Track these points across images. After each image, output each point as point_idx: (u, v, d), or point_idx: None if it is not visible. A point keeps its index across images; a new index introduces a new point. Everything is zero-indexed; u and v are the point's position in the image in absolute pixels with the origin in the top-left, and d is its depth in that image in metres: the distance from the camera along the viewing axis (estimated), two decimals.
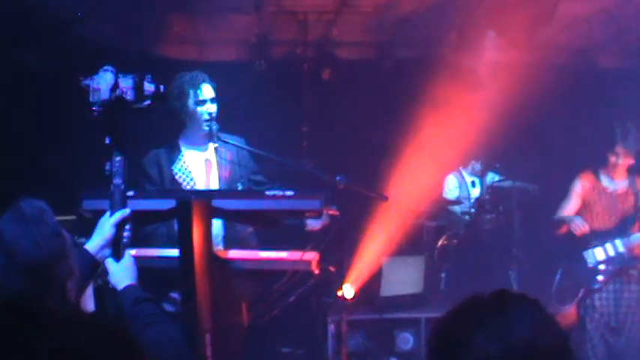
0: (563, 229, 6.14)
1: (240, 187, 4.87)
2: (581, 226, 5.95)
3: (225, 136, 4.94)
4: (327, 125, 7.89)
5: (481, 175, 8.79)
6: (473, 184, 8.79)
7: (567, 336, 1.66)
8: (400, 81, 8.53)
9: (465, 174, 8.80)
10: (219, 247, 4.63)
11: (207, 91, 4.90)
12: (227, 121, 5.04)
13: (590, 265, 6.03)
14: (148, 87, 3.15)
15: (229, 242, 4.80)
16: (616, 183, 6.11)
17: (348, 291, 6.63)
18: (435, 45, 8.52)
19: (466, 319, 1.66)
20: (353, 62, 8.83)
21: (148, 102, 3.16)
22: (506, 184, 8.28)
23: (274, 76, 8.25)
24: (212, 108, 4.88)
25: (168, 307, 4.31)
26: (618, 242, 5.95)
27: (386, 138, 8.09)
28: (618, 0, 7.45)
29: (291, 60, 8.64)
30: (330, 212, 3.90)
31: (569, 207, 6.18)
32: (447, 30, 8.09)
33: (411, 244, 7.96)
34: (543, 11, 7.02)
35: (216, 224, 4.74)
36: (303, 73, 8.42)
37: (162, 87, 3.20)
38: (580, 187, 6.16)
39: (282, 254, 4.06)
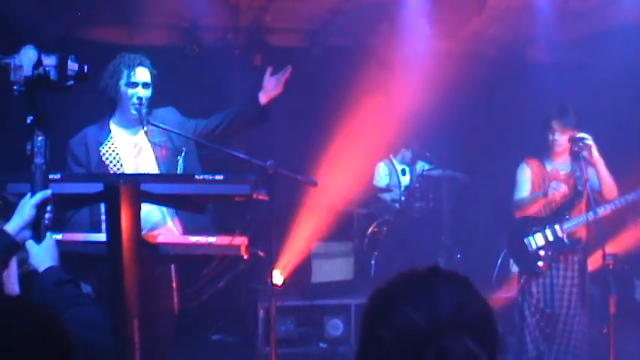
0: (530, 209, 6.12)
1: (181, 160, 4.79)
2: (560, 189, 5.92)
3: (154, 112, 4.87)
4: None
5: (411, 164, 8.90)
6: (403, 172, 8.89)
7: (490, 312, 1.70)
8: (331, 69, 8.56)
9: (395, 162, 8.89)
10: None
11: (141, 74, 4.81)
12: (157, 106, 4.98)
13: (531, 251, 6.08)
14: (72, 66, 3.08)
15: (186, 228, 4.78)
16: (558, 167, 6.15)
17: (277, 277, 6.65)
18: (366, 34, 8.56)
19: (398, 290, 1.74)
20: (285, 49, 8.83)
21: (71, 82, 3.09)
22: (436, 172, 8.40)
23: (206, 61, 8.19)
24: (143, 92, 4.79)
25: (89, 290, 4.25)
26: (557, 227, 5.98)
27: (317, 125, 8.12)
28: None
29: (223, 46, 8.59)
30: (260, 197, 3.89)
31: (523, 192, 6.17)
32: (379, 19, 8.13)
33: (341, 231, 8.03)
34: (473, 3, 7.11)
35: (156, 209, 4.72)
36: (235, 59, 8.38)
37: (86, 67, 3.13)
38: (530, 172, 6.16)
39: (211, 239, 4.03)
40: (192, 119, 5.05)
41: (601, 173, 5.85)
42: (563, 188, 5.91)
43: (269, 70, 5.06)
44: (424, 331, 1.64)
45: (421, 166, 8.85)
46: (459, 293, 1.72)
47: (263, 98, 5.06)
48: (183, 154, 4.80)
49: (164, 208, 4.78)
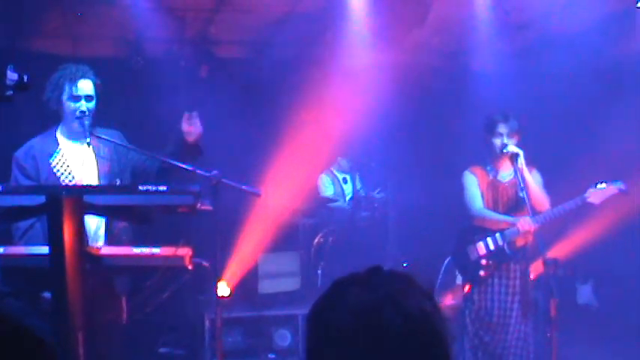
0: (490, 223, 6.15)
1: (118, 182, 4.79)
2: (529, 223, 5.91)
3: (101, 131, 4.85)
4: (204, 122, 7.86)
5: (351, 171, 8.97)
6: (344, 180, 8.96)
7: (430, 307, 1.75)
8: (277, 80, 8.60)
9: (335, 172, 8.95)
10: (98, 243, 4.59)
11: (83, 86, 4.77)
12: (103, 118, 4.96)
13: (473, 259, 6.14)
14: (11, 76, 3.08)
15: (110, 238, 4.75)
16: (502, 175, 6.21)
17: (223, 288, 6.64)
18: (311, 45, 8.62)
19: (340, 285, 1.79)
20: (230, 60, 8.85)
21: (10, 92, 3.08)
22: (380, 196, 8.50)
23: (151, 73, 8.16)
24: (86, 105, 4.76)
25: (40, 306, 4.21)
26: (498, 236, 6.05)
27: (263, 135, 8.14)
28: (488, 5, 7.71)
29: (169, 57, 8.56)
30: (203, 208, 3.90)
31: (479, 200, 6.21)
32: (323, 30, 8.20)
33: (287, 242, 8.05)
34: (415, 14, 7.21)
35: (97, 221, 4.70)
36: (181, 71, 8.37)
37: (25, 77, 3.12)
38: (477, 180, 6.23)
39: (155, 250, 4.03)
40: (133, 151, 4.97)
41: (527, 185, 5.92)
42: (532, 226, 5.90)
43: (185, 116, 4.96)
44: (371, 304, 1.68)
45: (359, 179, 8.95)
46: (400, 282, 1.76)
47: (190, 139, 4.95)
48: (125, 175, 4.81)
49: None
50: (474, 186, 6.25)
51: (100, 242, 4.72)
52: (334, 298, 1.76)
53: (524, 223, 5.87)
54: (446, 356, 1.72)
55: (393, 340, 1.66)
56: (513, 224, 5.97)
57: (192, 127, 4.90)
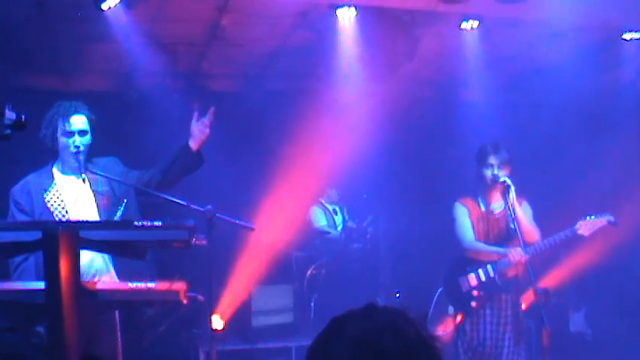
0: (488, 257, 6.20)
1: (121, 209, 4.83)
2: (520, 255, 5.90)
3: (97, 160, 4.91)
4: None
5: (339, 203, 9.01)
6: (335, 211, 8.99)
7: (425, 334, 1.81)
8: (270, 113, 8.66)
9: (325, 204, 8.98)
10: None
11: (76, 122, 4.83)
12: (97, 152, 5.01)
13: (464, 291, 6.17)
14: (10, 115, 3.12)
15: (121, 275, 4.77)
16: (493, 206, 6.24)
17: (217, 322, 6.65)
18: (303, 78, 8.70)
19: (338, 322, 1.85)
20: (223, 93, 8.91)
21: (8, 131, 3.12)
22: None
23: (145, 106, 8.22)
24: (79, 140, 4.82)
25: (35, 341, 4.23)
26: (489, 267, 6.09)
27: (256, 168, 8.19)
28: (476, 38, 7.80)
29: (162, 91, 8.62)
30: (198, 242, 3.94)
31: (470, 231, 6.24)
32: (315, 64, 8.28)
33: (280, 274, 8.07)
34: (406, 48, 7.29)
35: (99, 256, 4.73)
36: (174, 104, 8.42)
37: (23, 116, 3.17)
38: (467, 211, 6.25)
39: (151, 284, 4.05)
40: (135, 170, 5.09)
41: (518, 216, 5.96)
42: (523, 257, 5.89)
43: (195, 115, 5.13)
44: (370, 333, 1.75)
45: (347, 212, 9.00)
46: (396, 313, 1.84)
47: (193, 144, 5.12)
48: (124, 203, 4.84)
49: (106, 256, 4.79)
50: (465, 217, 6.28)
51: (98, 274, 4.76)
52: (334, 331, 1.81)
53: (516, 254, 5.91)
54: None
55: None
56: (505, 255, 6.00)
57: (199, 129, 5.03)
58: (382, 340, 1.74)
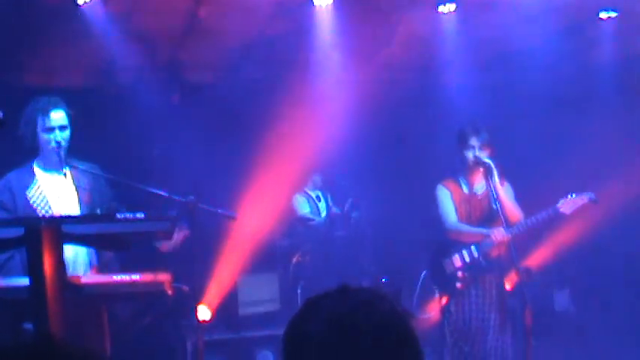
0: (472, 238, 6.23)
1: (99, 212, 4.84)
2: (503, 235, 5.96)
3: (78, 163, 4.91)
4: (179, 147, 7.92)
5: (322, 188, 9.02)
6: (318, 198, 8.99)
7: (400, 309, 1.84)
8: (248, 102, 8.65)
9: (309, 191, 8.98)
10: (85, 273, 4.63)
11: (56, 117, 4.81)
12: (78, 147, 5.00)
13: (449, 272, 6.20)
14: None
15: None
16: (475, 188, 6.27)
17: (203, 312, 6.67)
18: (281, 66, 8.69)
19: (312, 303, 1.87)
20: (202, 84, 8.90)
21: None
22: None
23: (124, 100, 8.20)
24: (60, 135, 4.81)
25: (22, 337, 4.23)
26: (473, 248, 6.12)
27: (237, 158, 8.18)
28: (454, 21, 7.83)
29: (140, 84, 8.59)
30: (181, 233, 3.96)
31: (453, 213, 6.27)
32: (293, 52, 8.28)
33: (265, 263, 8.09)
34: (384, 34, 7.31)
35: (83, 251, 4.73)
36: (153, 97, 8.40)
37: (1, 113, 3.17)
38: (450, 194, 6.28)
39: (135, 276, 4.07)
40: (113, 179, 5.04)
41: (500, 197, 6.01)
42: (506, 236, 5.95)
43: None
44: (344, 310, 1.78)
45: (331, 198, 9.01)
46: (369, 292, 1.87)
47: (162, 247, 4.98)
48: (105, 206, 4.85)
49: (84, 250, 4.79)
50: (447, 199, 6.31)
51: (81, 270, 4.76)
52: (309, 311, 1.84)
53: (498, 234, 5.96)
54: (418, 354, 1.81)
55: (368, 342, 1.75)
56: (487, 236, 6.05)
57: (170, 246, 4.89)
58: (356, 316, 1.77)
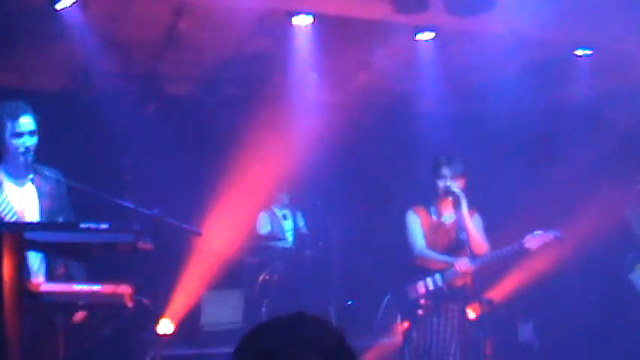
0: (437, 265, 6.25)
1: (60, 220, 4.81)
2: (467, 265, 6.04)
3: (41, 168, 4.86)
4: (149, 159, 7.88)
5: (290, 207, 8.98)
6: (285, 217, 8.95)
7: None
8: (223, 118, 8.64)
9: (275, 210, 8.94)
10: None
11: (25, 123, 4.77)
12: (47, 151, 4.95)
13: (412, 299, 6.23)
14: None
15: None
16: (443, 217, 6.33)
17: (166, 326, 6.61)
18: (259, 84, 8.70)
19: (264, 326, 1.88)
20: (178, 97, 8.87)
21: None
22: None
23: (99, 106, 8.15)
24: (29, 141, 4.77)
25: None
26: (438, 276, 6.18)
27: (207, 173, 8.16)
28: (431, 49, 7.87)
29: (116, 91, 8.55)
30: (144, 246, 3.93)
31: (422, 239, 6.32)
32: (271, 70, 8.29)
33: (231, 279, 8.05)
34: (361, 58, 7.33)
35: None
36: (128, 106, 8.37)
37: None
38: (419, 220, 6.34)
39: (96, 287, 4.04)
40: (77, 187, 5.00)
41: (468, 229, 6.07)
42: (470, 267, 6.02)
43: None
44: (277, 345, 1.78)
45: (300, 216, 8.98)
46: (316, 327, 1.86)
47: None
48: (66, 213, 4.81)
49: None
50: (416, 225, 6.37)
51: (42, 278, 4.71)
52: (250, 340, 1.83)
53: (463, 264, 6.00)
54: None
55: None
56: (452, 264, 6.08)
57: None
58: (292, 350, 1.76)
